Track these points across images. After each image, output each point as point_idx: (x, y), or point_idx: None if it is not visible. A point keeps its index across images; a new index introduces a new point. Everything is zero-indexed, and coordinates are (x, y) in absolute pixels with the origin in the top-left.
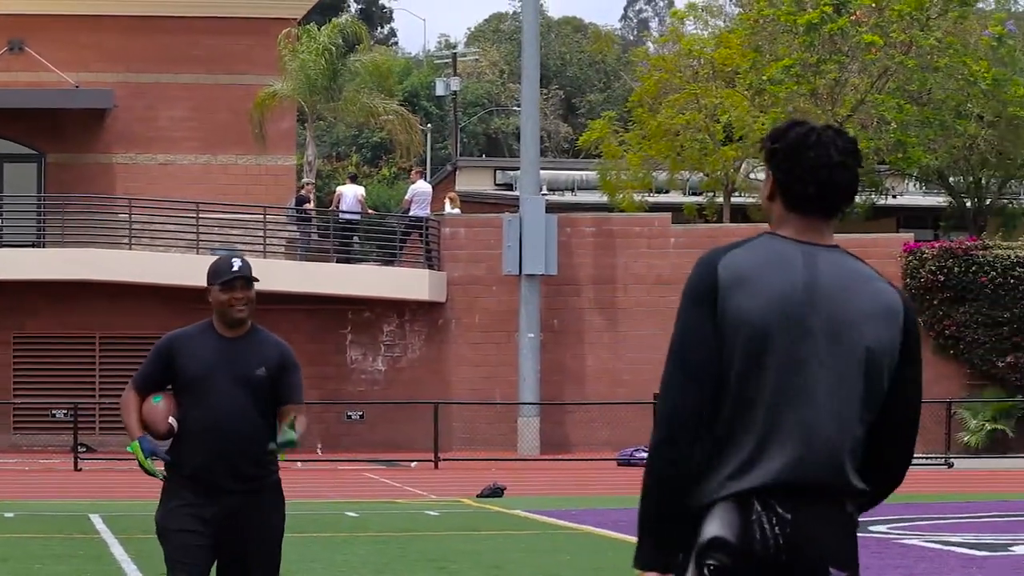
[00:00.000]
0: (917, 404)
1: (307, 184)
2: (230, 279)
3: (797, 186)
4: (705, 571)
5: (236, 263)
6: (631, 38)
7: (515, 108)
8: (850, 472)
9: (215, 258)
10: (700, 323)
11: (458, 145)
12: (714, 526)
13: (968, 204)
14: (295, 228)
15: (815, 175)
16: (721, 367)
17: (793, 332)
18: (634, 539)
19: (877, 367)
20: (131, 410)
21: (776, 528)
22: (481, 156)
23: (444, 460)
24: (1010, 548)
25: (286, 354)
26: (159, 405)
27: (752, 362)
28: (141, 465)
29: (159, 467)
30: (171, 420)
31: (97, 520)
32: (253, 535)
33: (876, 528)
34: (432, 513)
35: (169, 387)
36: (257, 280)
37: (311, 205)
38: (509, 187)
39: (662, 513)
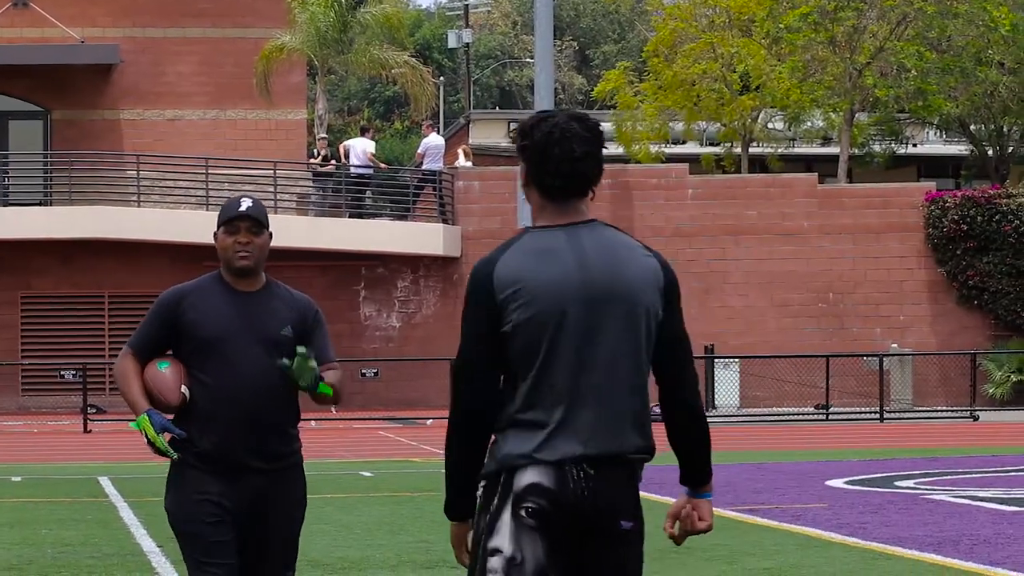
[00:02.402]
0: (688, 347)
1: (320, 139)
2: (234, 217)
3: (547, 179)
4: (523, 512)
5: (245, 202)
6: None
7: (528, 60)
8: (638, 435)
9: None
10: (478, 325)
11: (471, 98)
12: (531, 474)
13: (989, 152)
14: (311, 183)
15: (560, 169)
16: (510, 361)
17: (578, 314)
18: (657, 497)
19: (649, 327)
20: (132, 379)
21: (583, 481)
22: (494, 109)
23: None
24: None
25: (310, 309)
26: (167, 372)
27: (548, 348)
28: (152, 444)
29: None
30: (183, 390)
31: (106, 483)
32: (279, 521)
33: (903, 484)
34: None
35: (170, 351)
36: (268, 227)
37: (325, 160)
38: None
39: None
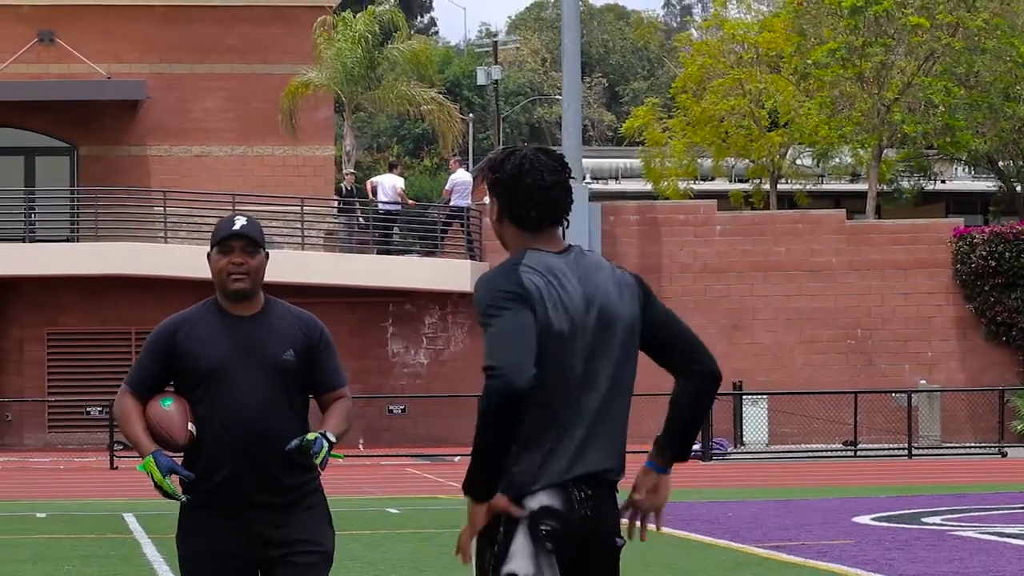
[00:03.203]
0: (675, 319)
1: (348, 174)
2: (227, 236)
3: (521, 210)
4: (541, 533)
5: (239, 221)
6: (674, 24)
7: (557, 97)
8: (619, 456)
9: None
10: (520, 316)
11: (500, 135)
12: (543, 497)
13: (1018, 188)
14: (336, 219)
15: (534, 198)
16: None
17: (583, 334)
18: (685, 534)
19: (634, 346)
20: (134, 419)
21: (586, 502)
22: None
23: None
24: None
25: (315, 329)
26: (171, 410)
27: (558, 362)
28: (159, 487)
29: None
30: (190, 427)
31: (131, 519)
32: (296, 552)
33: (930, 520)
34: None
35: (170, 386)
36: (264, 247)
37: (350, 195)
38: None
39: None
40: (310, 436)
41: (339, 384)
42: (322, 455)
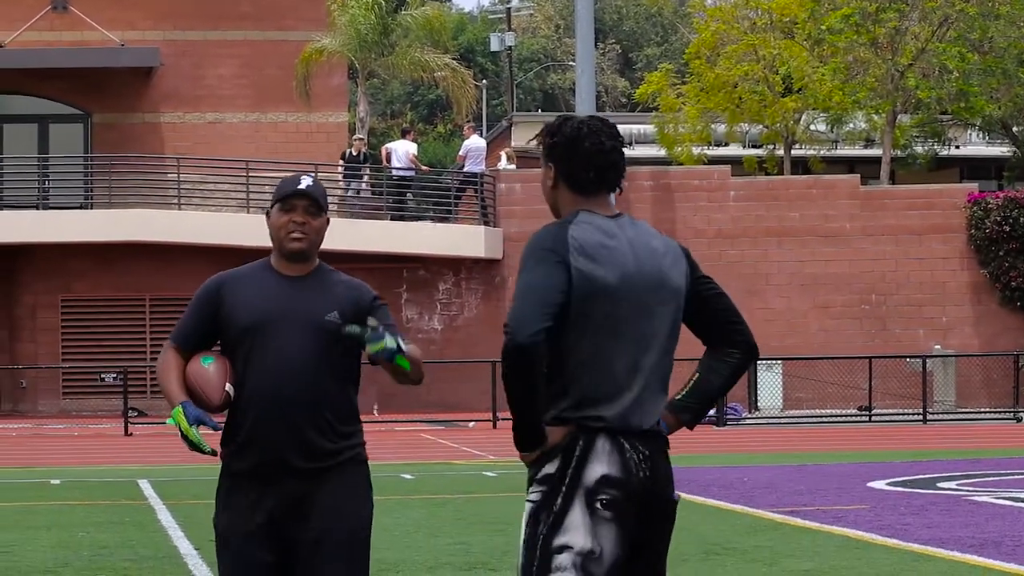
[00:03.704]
0: (722, 292)
1: (357, 139)
2: (290, 194)
3: (581, 173)
4: (599, 505)
5: (305, 180)
6: None
7: (571, 63)
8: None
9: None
10: (550, 273)
11: (514, 101)
12: (600, 467)
13: None
14: (346, 185)
15: (593, 161)
16: (569, 323)
17: (638, 294)
18: (700, 499)
19: (680, 311)
20: (171, 372)
21: (643, 463)
22: (537, 112)
23: (502, 420)
24: None
25: (366, 295)
26: (210, 368)
27: (612, 318)
28: (185, 436)
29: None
30: (228, 388)
31: (145, 486)
32: (328, 522)
33: (945, 485)
34: (490, 474)
35: (217, 346)
36: (326, 210)
37: (361, 160)
38: None
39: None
40: (371, 326)
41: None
42: (380, 345)
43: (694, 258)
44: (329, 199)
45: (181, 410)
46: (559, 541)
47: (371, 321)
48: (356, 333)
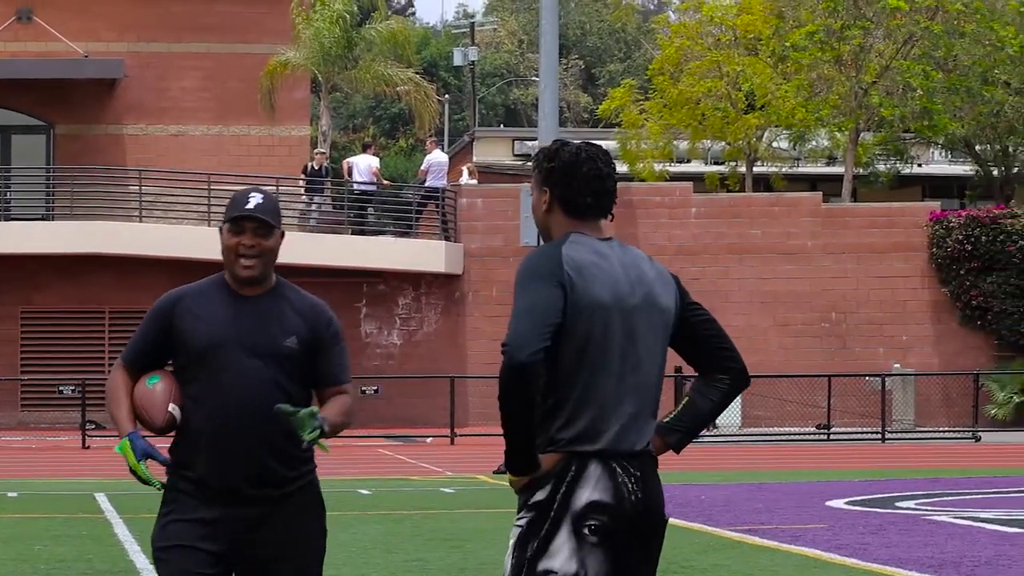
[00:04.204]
0: (712, 318)
1: (318, 153)
2: (239, 216)
3: (578, 197)
4: (587, 531)
5: (254, 199)
6: (651, 7)
7: (534, 78)
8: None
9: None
10: (546, 293)
11: (476, 116)
12: (589, 493)
13: (995, 173)
14: (308, 199)
15: (590, 186)
16: (561, 348)
17: (627, 314)
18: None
19: (670, 326)
20: (120, 396)
21: (635, 487)
22: (500, 127)
23: (460, 436)
24: None
25: (323, 317)
26: (155, 388)
27: (604, 337)
28: (133, 471)
29: (157, 472)
30: (171, 408)
31: (103, 499)
32: (284, 553)
33: (904, 504)
34: (447, 490)
35: (169, 364)
36: (279, 227)
37: (321, 174)
38: (528, 157)
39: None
40: (310, 410)
41: (343, 380)
42: (311, 433)
43: (684, 285)
44: (290, 213)
45: (129, 443)
46: (543, 566)
47: (310, 411)
48: (291, 414)
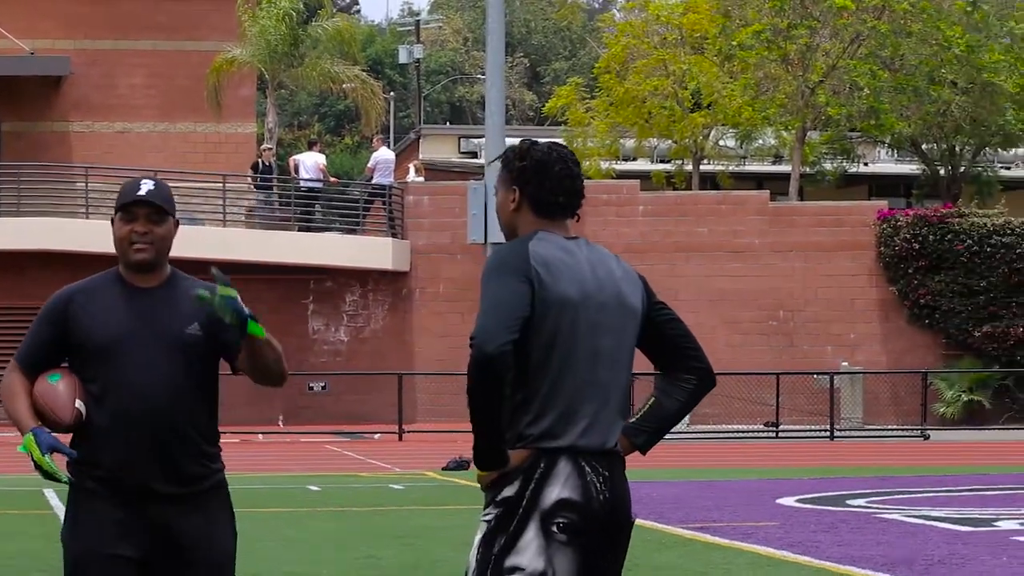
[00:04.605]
0: (678, 318)
1: (266, 150)
2: (130, 202)
3: (550, 196)
4: (555, 528)
5: (145, 185)
6: (596, 5)
7: (479, 76)
8: (619, 431)
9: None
10: (513, 286)
11: (421, 113)
12: (559, 490)
13: (941, 172)
14: (255, 196)
15: (562, 185)
16: (529, 342)
17: (595, 310)
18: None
19: (637, 324)
20: (18, 396)
21: (603, 486)
22: (445, 124)
23: (408, 432)
24: (994, 523)
25: None
26: (59, 386)
27: (570, 335)
28: (38, 466)
29: (63, 466)
30: (78, 405)
31: (51, 496)
32: (197, 555)
33: (855, 503)
34: (396, 487)
35: (65, 363)
36: (172, 214)
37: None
38: (474, 155)
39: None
40: (230, 292)
41: None
42: (231, 292)
43: (649, 285)
44: (237, 210)
45: (33, 438)
46: (510, 562)
47: (218, 276)
48: (204, 297)
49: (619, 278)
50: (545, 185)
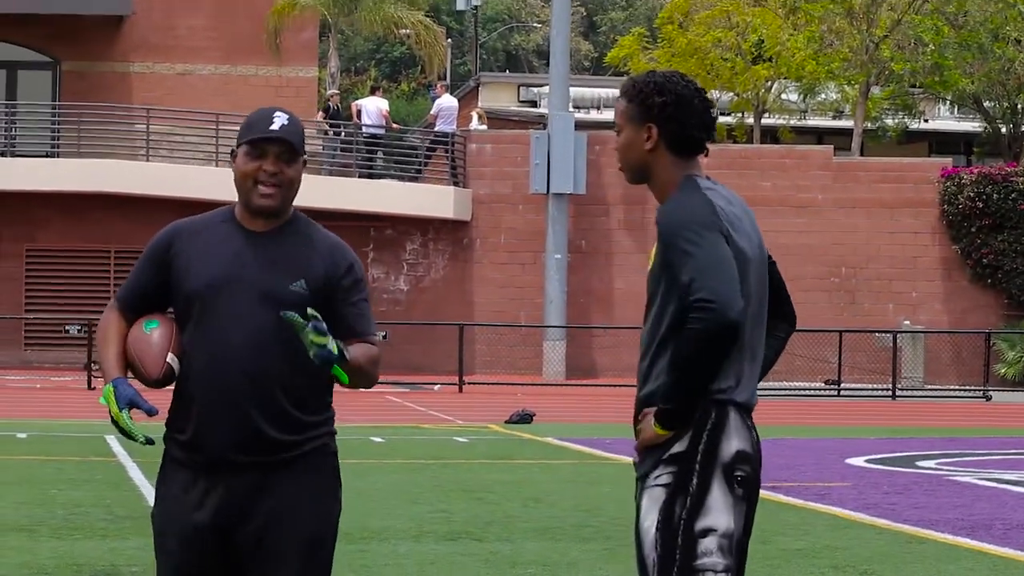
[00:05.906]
0: (774, 262)
1: (333, 95)
2: (261, 138)
3: (695, 132)
4: (736, 483)
5: (279, 119)
6: None
7: (535, 24)
8: None
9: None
10: (720, 246)
11: (477, 61)
12: (736, 442)
13: (1003, 130)
14: (320, 141)
15: (704, 120)
16: None
17: (756, 263)
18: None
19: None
20: (110, 340)
21: (758, 440)
22: (501, 72)
23: (468, 384)
24: None
25: (343, 260)
26: (153, 335)
27: (745, 292)
28: (115, 422)
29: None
30: (170, 359)
31: (113, 442)
32: (282, 531)
33: (925, 464)
34: (461, 439)
35: (170, 309)
36: (303, 153)
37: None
38: (533, 104)
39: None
40: (321, 323)
41: (366, 331)
42: (322, 340)
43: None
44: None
45: (112, 390)
46: (702, 524)
47: (310, 312)
48: (295, 321)
49: (756, 225)
50: (691, 120)
